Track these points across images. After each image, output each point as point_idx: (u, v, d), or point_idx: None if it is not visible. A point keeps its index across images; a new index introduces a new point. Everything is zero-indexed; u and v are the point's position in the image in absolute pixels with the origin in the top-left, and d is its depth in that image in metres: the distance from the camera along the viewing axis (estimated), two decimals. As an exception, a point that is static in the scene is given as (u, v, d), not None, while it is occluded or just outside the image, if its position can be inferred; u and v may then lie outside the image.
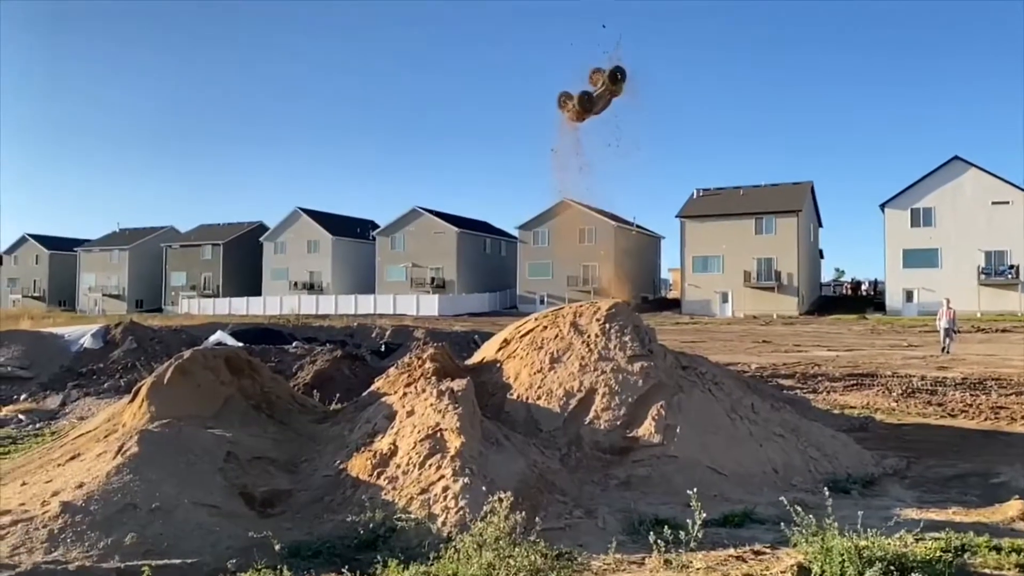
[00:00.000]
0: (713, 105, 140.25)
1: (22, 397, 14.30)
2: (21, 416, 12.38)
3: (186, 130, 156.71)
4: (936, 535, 5.11)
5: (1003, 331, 36.19)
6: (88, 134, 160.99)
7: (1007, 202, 53.91)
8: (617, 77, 10.65)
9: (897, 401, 13.25)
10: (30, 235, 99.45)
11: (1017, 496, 6.59)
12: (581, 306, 9.42)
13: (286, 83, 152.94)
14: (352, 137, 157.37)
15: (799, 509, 4.79)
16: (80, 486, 5.55)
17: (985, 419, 11.41)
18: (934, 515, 6.18)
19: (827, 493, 5.27)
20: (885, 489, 7.36)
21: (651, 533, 4.81)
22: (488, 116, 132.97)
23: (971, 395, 13.75)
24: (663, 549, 4.70)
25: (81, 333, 18.31)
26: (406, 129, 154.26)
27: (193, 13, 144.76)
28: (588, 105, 10.74)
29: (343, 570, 4.46)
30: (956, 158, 56.09)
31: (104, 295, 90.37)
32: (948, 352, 23.45)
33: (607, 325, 8.71)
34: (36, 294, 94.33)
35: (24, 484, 6.29)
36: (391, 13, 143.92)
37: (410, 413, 6.72)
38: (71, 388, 14.63)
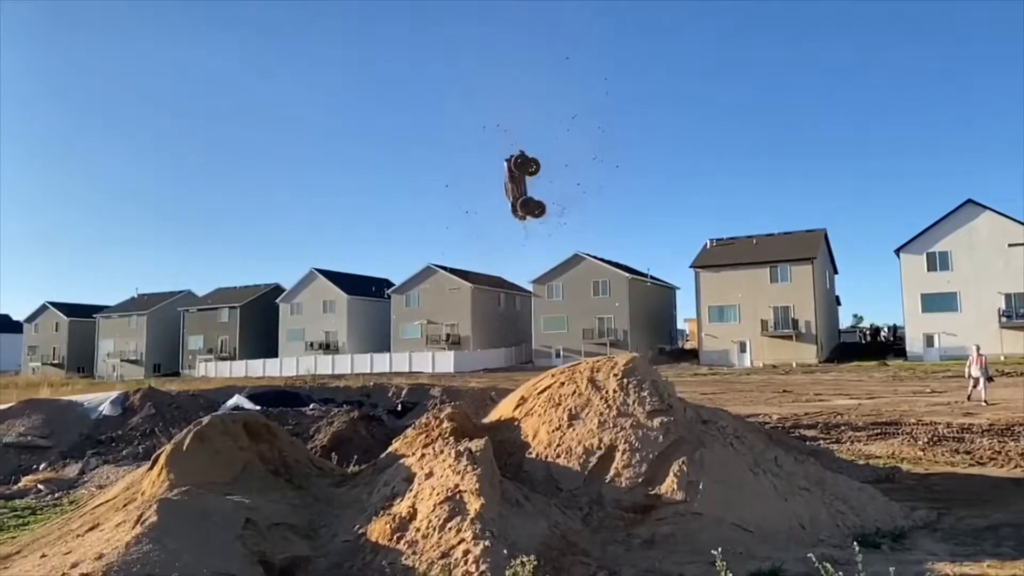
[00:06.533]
0: (723, 156, 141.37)
1: (42, 467, 14.31)
2: (41, 486, 12.38)
3: (203, 195, 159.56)
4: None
5: (1028, 374, 35.55)
6: (107, 203, 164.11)
7: (1023, 244, 53.58)
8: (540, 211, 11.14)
9: (923, 450, 12.98)
10: (50, 303, 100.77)
11: (1053, 547, 6.41)
12: (598, 361, 9.37)
13: (299, 149, 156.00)
14: (366, 198, 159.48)
15: (828, 566, 4.68)
16: (99, 557, 5.52)
17: (1015, 466, 11.17)
18: (969, 569, 6.02)
19: (856, 548, 5.15)
20: (916, 543, 7.17)
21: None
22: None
23: (999, 442, 13.46)
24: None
25: (100, 400, 18.42)
26: (420, 187, 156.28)
27: (205, 80, 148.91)
28: (527, 168, 11.10)
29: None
30: (969, 201, 55.97)
31: (122, 360, 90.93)
32: (986, 402, 22.45)
33: (625, 380, 8.65)
34: (55, 361, 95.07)
35: (44, 556, 6.28)
36: (394, 78, 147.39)
37: (429, 475, 6.67)
38: (90, 456, 14.65)
